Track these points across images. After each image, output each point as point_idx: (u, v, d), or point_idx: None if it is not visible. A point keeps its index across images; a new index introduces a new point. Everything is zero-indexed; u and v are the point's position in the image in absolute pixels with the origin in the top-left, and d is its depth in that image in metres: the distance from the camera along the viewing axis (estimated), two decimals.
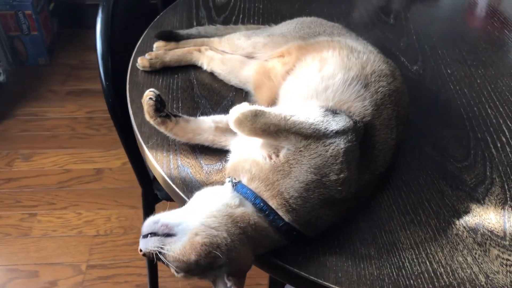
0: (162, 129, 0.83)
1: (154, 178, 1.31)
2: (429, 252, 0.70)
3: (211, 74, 1.03)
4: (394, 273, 0.67)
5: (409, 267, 0.68)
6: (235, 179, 0.70)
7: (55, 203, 2.00)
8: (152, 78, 1.02)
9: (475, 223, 0.74)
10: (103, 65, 1.13)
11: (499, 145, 0.89)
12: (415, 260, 0.69)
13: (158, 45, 1.07)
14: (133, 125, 0.90)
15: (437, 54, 1.15)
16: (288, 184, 0.66)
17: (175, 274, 0.66)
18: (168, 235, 0.65)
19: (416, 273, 0.67)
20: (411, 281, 0.66)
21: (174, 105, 0.95)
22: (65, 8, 3.03)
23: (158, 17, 1.25)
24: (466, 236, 0.72)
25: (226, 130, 0.80)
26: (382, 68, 0.82)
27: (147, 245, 0.65)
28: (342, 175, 0.67)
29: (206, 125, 0.83)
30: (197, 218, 0.65)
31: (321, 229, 0.70)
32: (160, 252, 0.63)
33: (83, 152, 2.24)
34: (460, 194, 0.79)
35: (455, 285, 0.66)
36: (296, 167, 0.67)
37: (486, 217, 0.75)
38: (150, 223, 0.67)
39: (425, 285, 0.65)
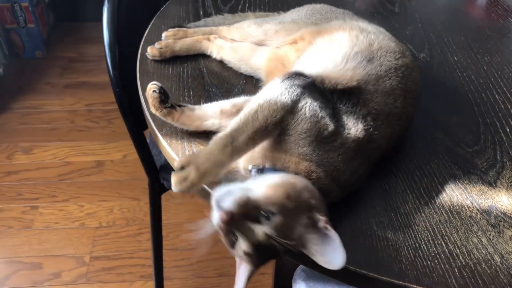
0: (169, 120, 0.83)
1: (161, 167, 1.31)
2: (444, 234, 0.71)
3: (221, 62, 1.04)
4: (411, 255, 0.68)
5: (425, 248, 0.69)
6: (259, 166, 0.71)
7: (57, 196, 1.99)
8: (162, 67, 1.02)
9: (488, 205, 0.75)
10: (111, 55, 1.13)
11: (508, 130, 0.91)
12: (431, 241, 0.70)
13: (167, 34, 1.07)
14: (145, 114, 0.90)
15: (443, 42, 1.16)
16: (301, 152, 0.69)
17: (266, 224, 0.62)
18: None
19: (432, 254, 0.68)
20: (428, 262, 0.67)
21: (185, 94, 0.95)
22: (62, 1, 3.01)
23: (164, 6, 1.25)
24: (480, 218, 0.73)
25: (231, 114, 0.81)
26: (389, 45, 0.85)
27: (230, 201, 0.61)
28: (330, 128, 0.70)
29: (211, 111, 0.83)
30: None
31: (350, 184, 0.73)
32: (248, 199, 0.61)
33: (83, 145, 2.23)
34: (472, 177, 0.80)
35: (471, 265, 0.67)
36: (292, 137, 0.70)
37: (499, 199, 0.76)
38: (221, 192, 0.64)
39: (442, 266, 0.67)
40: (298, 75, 0.76)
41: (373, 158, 0.76)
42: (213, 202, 0.64)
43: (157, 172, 1.32)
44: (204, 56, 1.05)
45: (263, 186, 0.64)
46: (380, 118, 0.76)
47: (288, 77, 0.75)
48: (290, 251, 0.64)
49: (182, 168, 0.67)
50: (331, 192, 0.71)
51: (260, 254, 0.64)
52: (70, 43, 2.91)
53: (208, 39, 1.05)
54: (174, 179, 0.68)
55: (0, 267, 1.73)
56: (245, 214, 0.61)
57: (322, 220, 0.63)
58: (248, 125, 0.70)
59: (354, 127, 0.73)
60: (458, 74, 1.05)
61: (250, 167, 0.72)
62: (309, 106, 0.71)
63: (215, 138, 0.70)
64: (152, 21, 1.16)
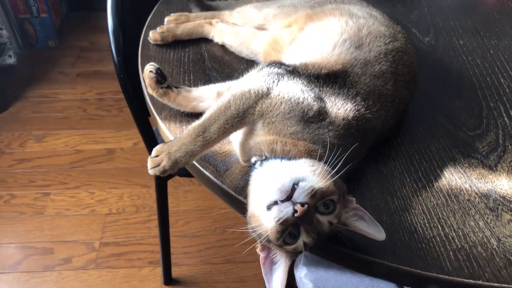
0: (165, 100, 0.85)
1: None
2: (441, 217, 0.70)
3: (222, 47, 1.04)
4: (406, 237, 0.68)
5: (421, 231, 0.68)
6: (260, 157, 0.72)
7: (68, 183, 2.02)
8: (164, 52, 1.02)
9: (487, 189, 0.74)
10: (115, 41, 1.14)
11: None
12: (427, 224, 0.69)
13: (169, 19, 1.07)
14: (146, 98, 0.91)
15: (449, 26, 1.14)
16: (292, 131, 0.70)
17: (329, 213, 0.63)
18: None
19: (428, 237, 0.68)
20: (423, 245, 0.67)
21: (186, 78, 0.95)
22: None
23: None
24: (478, 202, 0.72)
25: None
26: (379, 30, 0.85)
27: (302, 193, 0.61)
28: (315, 108, 0.71)
29: (208, 92, 0.85)
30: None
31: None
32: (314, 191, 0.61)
33: (95, 133, 2.26)
34: (472, 161, 0.79)
35: (467, 248, 0.66)
36: (279, 119, 0.71)
37: (499, 183, 0.75)
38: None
39: (437, 249, 0.66)
40: (278, 63, 0.78)
41: (368, 138, 0.76)
42: (274, 193, 0.62)
43: None
44: (206, 40, 1.05)
45: (313, 176, 0.63)
46: (371, 99, 0.76)
47: (268, 65, 0.77)
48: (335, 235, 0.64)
49: (157, 155, 0.72)
50: None
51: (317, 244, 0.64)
52: (82, 32, 2.93)
53: (210, 24, 1.05)
54: (149, 164, 0.73)
55: (13, 251, 1.76)
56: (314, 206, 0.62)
57: (353, 201, 0.66)
58: (220, 115, 0.71)
59: (343, 107, 0.72)
60: (463, 58, 1.03)
61: (253, 160, 0.72)
62: (287, 89, 0.72)
63: (189, 127, 0.73)
64: (156, 6, 1.17)
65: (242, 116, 0.71)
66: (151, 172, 0.72)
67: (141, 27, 1.11)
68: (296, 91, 0.72)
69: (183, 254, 1.77)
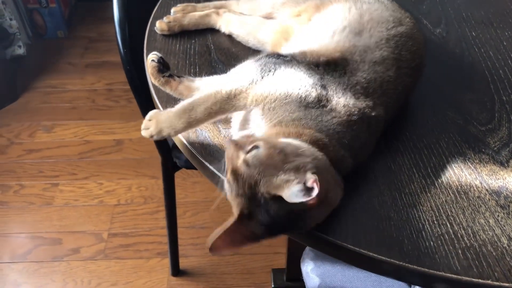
0: (167, 89, 0.85)
1: (173, 146, 1.32)
2: (449, 215, 0.69)
3: (229, 38, 1.02)
4: (414, 235, 0.66)
5: (429, 229, 0.67)
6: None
7: (77, 174, 2.03)
8: (169, 43, 1.01)
9: (498, 186, 0.73)
10: (121, 32, 1.13)
11: None
12: (435, 222, 0.68)
13: (176, 9, 1.06)
14: (151, 90, 0.90)
15: (461, 17, 1.11)
16: (294, 117, 0.69)
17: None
18: None
19: (436, 235, 0.66)
20: (431, 243, 0.65)
21: (192, 71, 0.94)
22: None
23: None
24: (489, 199, 0.71)
25: None
26: (382, 16, 0.83)
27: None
28: (314, 94, 0.70)
29: (210, 83, 0.84)
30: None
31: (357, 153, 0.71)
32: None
33: (103, 124, 2.26)
34: (483, 157, 0.77)
35: (476, 246, 0.65)
36: (278, 104, 0.70)
37: (510, 180, 0.73)
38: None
39: (445, 247, 0.65)
40: (276, 54, 0.78)
41: (374, 126, 0.74)
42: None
43: (169, 150, 1.33)
44: (213, 31, 1.04)
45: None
46: (372, 86, 0.75)
47: (266, 56, 0.77)
48: None
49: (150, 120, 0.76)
50: (342, 159, 0.68)
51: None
52: (91, 23, 2.93)
53: (217, 13, 1.03)
54: (142, 125, 0.77)
55: (22, 241, 1.78)
56: None
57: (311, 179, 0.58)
58: (210, 97, 0.73)
59: (343, 95, 0.72)
60: (475, 50, 1.01)
61: None
62: (284, 75, 0.72)
63: (181, 103, 0.75)
64: None
65: (232, 99, 0.72)
66: (142, 133, 0.76)
67: (147, 18, 1.10)
68: (293, 77, 0.72)
69: (191, 245, 1.77)
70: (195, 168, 1.36)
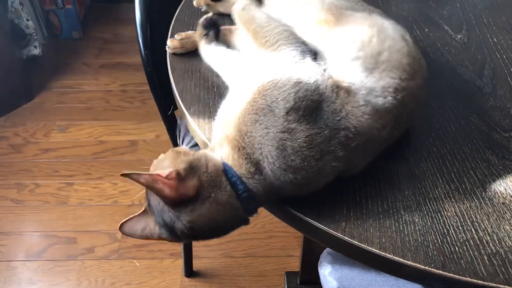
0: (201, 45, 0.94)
1: (191, 148, 1.32)
2: (474, 220, 0.69)
3: None
4: (439, 240, 0.66)
5: (454, 234, 0.67)
6: None
7: (91, 173, 2.05)
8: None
9: None
10: (142, 34, 1.14)
11: None
12: (460, 227, 0.68)
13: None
14: (174, 93, 0.91)
15: (482, 23, 1.11)
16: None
17: None
18: None
19: (461, 240, 0.66)
20: (456, 248, 0.65)
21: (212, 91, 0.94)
22: None
23: None
24: None
25: None
26: (401, 62, 0.74)
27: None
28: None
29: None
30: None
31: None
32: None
33: (118, 124, 2.28)
34: (507, 163, 0.77)
35: (502, 253, 0.65)
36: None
37: None
38: None
39: (471, 252, 0.65)
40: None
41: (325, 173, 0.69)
42: None
43: None
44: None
45: None
46: (356, 141, 0.69)
47: None
48: None
49: None
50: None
51: None
52: (105, 24, 2.95)
53: (230, 30, 0.99)
54: None
55: (37, 240, 1.80)
56: None
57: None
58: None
59: (320, 133, 0.66)
60: (497, 56, 1.01)
61: None
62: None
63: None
64: (183, 1, 1.16)
65: None
66: None
67: (168, 20, 1.11)
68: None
69: (204, 246, 1.78)
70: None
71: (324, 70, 0.72)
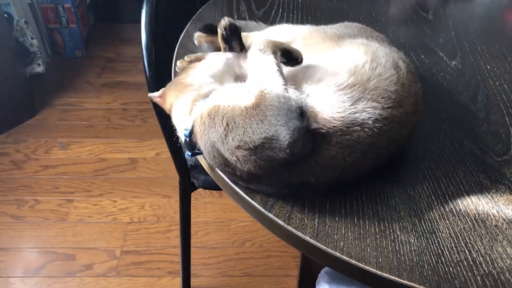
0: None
1: (191, 167, 1.35)
2: (468, 242, 0.71)
3: None
4: (434, 260, 0.69)
5: (448, 255, 0.69)
6: None
7: (91, 191, 2.07)
8: None
9: None
10: (147, 56, 1.17)
11: None
12: (454, 248, 0.70)
13: (199, 35, 1.10)
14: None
15: (476, 50, 1.15)
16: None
17: None
18: None
19: (455, 260, 0.69)
20: (450, 269, 0.67)
21: None
22: (101, 2, 3.11)
23: (199, 11, 1.28)
24: (506, 228, 0.73)
25: None
26: (389, 89, 0.75)
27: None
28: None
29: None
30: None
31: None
32: None
33: (118, 142, 2.30)
34: (499, 187, 0.80)
35: (495, 274, 0.67)
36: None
37: None
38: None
39: (464, 273, 0.67)
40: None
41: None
42: None
43: (188, 171, 1.36)
44: None
45: None
46: (317, 167, 0.72)
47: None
48: None
49: None
50: None
51: None
52: (108, 43, 3.01)
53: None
54: None
55: (36, 256, 1.80)
56: None
57: None
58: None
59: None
60: (490, 83, 1.04)
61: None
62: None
63: None
64: (188, 24, 1.20)
65: None
66: None
67: (172, 41, 1.15)
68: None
69: (202, 265, 1.79)
70: (213, 189, 1.40)
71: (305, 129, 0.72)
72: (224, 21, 0.91)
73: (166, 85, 0.89)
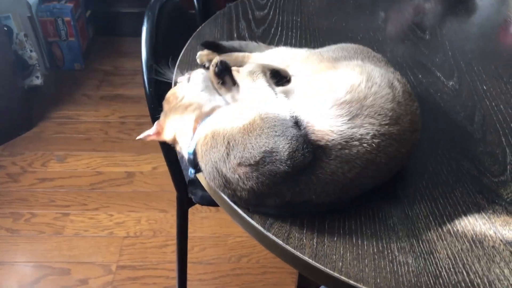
0: (222, 93, 0.93)
1: (189, 182, 1.35)
2: (465, 263, 0.72)
3: None
4: (431, 281, 0.69)
5: (446, 276, 0.70)
6: None
7: (87, 204, 2.06)
8: None
9: None
10: (147, 72, 1.18)
11: None
12: (451, 269, 0.71)
13: (201, 53, 1.11)
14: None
15: (472, 71, 1.16)
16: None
17: None
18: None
19: (453, 282, 0.69)
20: None
21: None
22: (101, 16, 3.14)
23: (199, 28, 1.30)
24: (503, 249, 0.74)
25: None
26: (385, 107, 0.76)
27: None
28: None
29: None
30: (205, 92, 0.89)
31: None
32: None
33: (115, 156, 2.30)
34: (496, 207, 0.81)
35: None
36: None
37: None
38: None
39: None
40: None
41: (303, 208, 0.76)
42: None
43: (185, 186, 1.36)
44: None
45: None
46: (319, 184, 0.73)
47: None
48: None
49: None
50: None
51: None
52: (107, 56, 3.02)
53: (237, 71, 1.05)
54: None
55: (30, 270, 1.79)
56: None
57: None
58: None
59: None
60: (487, 103, 1.05)
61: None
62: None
63: None
64: (188, 42, 1.21)
65: None
66: None
67: (172, 57, 1.15)
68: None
69: (198, 281, 1.78)
70: (210, 205, 1.40)
71: (304, 137, 0.73)
72: (216, 59, 0.96)
73: (159, 119, 0.92)
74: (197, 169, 0.81)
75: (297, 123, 0.74)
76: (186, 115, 0.85)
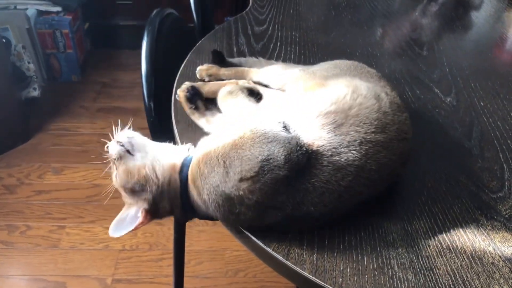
0: (193, 118, 0.98)
1: None
2: (465, 279, 0.72)
3: None
4: None
5: None
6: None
7: (84, 217, 2.05)
8: None
9: (511, 253, 0.76)
10: (147, 85, 1.19)
11: None
12: (451, 286, 0.71)
13: (201, 68, 1.12)
14: (178, 144, 0.94)
15: (469, 87, 1.18)
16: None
17: (113, 180, 0.90)
18: (129, 152, 0.87)
19: None
20: None
21: None
22: (99, 28, 3.15)
23: (199, 42, 1.30)
24: (502, 266, 0.74)
25: None
26: (369, 116, 0.79)
27: (114, 149, 0.89)
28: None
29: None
30: (154, 158, 0.84)
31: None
32: (117, 159, 0.87)
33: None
34: (495, 223, 0.81)
35: None
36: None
37: None
38: (126, 134, 0.89)
39: None
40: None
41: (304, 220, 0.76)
42: None
43: None
44: None
45: (138, 162, 0.87)
46: (315, 194, 0.74)
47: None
48: None
49: None
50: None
51: None
52: (104, 69, 3.03)
53: (237, 84, 1.06)
54: None
55: (25, 284, 1.77)
56: None
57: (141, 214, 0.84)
58: None
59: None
60: (484, 120, 1.06)
61: (187, 145, 0.90)
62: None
63: None
64: (188, 56, 1.22)
65: None
66: None
67: (172, 70, 1.16)
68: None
69: None
70: (208, 219, 1.39)
71: (296, 139, 0.76)
72: (185, 85, 1.01)
73: (140, 209, 0.87)
74: (196, 214, 0.83)
75: (286, 128, 0.77)
76: (161, 180, 0.82)
